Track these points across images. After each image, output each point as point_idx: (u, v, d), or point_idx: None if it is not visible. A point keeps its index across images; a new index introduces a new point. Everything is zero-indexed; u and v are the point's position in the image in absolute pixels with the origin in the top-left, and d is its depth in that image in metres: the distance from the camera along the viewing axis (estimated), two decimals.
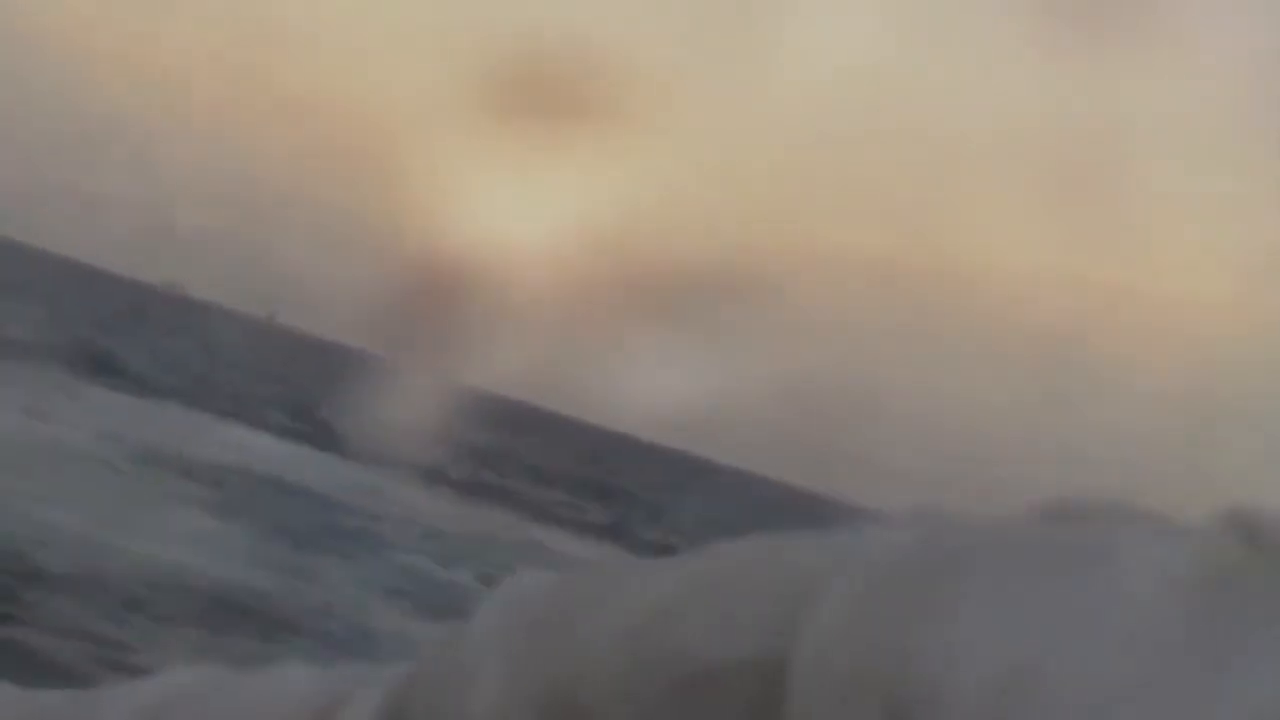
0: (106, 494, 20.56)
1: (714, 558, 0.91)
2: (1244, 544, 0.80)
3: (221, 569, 18.22)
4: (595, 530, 38.46)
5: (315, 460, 31.91)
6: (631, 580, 0.94)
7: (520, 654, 0.90)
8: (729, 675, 0.84)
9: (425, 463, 33.00)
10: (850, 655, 0.80)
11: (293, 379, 56.43)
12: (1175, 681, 0.75)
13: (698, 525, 43.55)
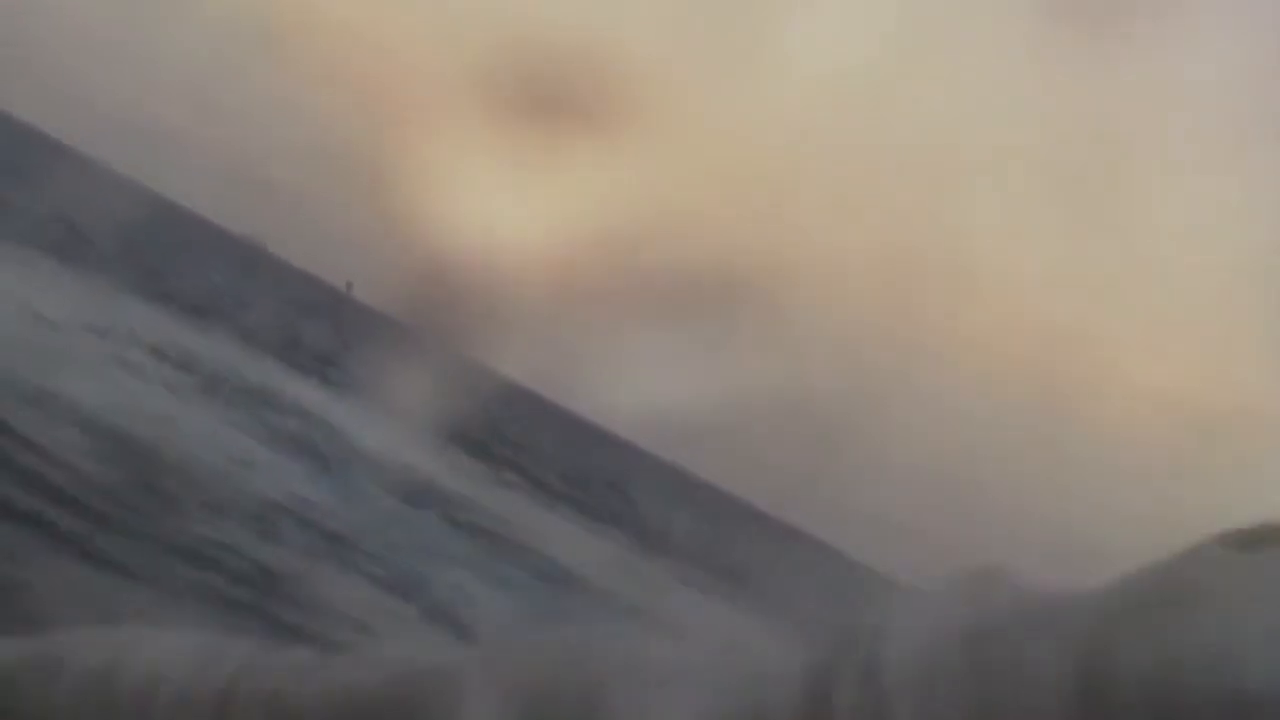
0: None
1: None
2: None
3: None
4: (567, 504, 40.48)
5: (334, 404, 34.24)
6: (1075, 603, 0.75)
7: (959, 677, 0.85)
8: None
9: (420, 421, 35.30)
10: None
11: (346, 338, 58.51)
12: None
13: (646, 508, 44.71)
